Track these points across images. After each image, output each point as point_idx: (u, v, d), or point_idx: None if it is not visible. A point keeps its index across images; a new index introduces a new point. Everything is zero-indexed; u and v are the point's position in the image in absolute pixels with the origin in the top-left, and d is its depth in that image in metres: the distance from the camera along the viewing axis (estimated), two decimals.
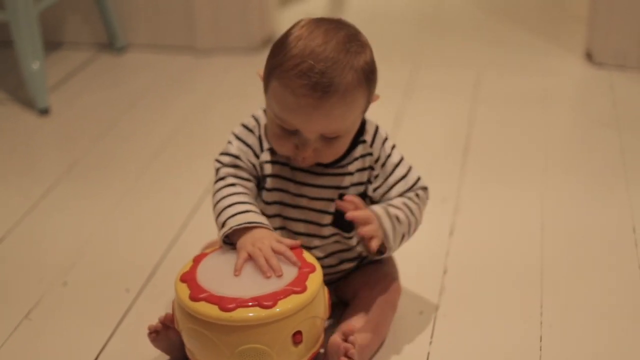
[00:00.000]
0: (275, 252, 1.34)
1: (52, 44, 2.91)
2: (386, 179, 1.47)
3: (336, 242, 1.49)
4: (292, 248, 1.37)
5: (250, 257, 1.33)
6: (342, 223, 1.45)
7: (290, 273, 1.32)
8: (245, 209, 1.39)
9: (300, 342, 1.30)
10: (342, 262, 1.52)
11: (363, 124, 1.46)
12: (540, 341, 1.50)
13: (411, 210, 1.46)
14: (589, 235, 1.82)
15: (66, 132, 2.38)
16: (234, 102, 2.51)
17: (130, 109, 2.50)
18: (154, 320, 1.42)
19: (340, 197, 1.44)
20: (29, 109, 2.47)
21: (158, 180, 2.10)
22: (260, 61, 1.44)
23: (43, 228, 1.90)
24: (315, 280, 1.33)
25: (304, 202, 1.46)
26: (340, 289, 1.55)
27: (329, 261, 1.49)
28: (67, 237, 1.86)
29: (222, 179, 1.44)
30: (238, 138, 1.46)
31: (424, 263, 1.66)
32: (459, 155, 2.17)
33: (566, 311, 1.58)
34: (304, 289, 1.30)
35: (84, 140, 2.31)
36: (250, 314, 1.25)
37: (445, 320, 1.56)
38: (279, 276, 1.31)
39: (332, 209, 1.46)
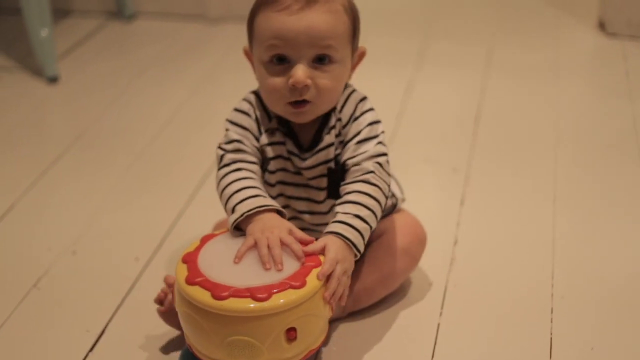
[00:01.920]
0: (282, 243, 1.27)
1: (60, 12, 2.89)
2: (347, 143, 1.40)
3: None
4: (303, 242, 1.29)
5: (255, 245, 1.28)
6: (337, 192, 1.41)
7: (293, 266, 1.26)
8: (254, 194, 1.34)
9: (295, 339, 1.23)
10: None
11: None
12: (552, 313, 1.49)
13: (373, 197, 1.35)
14: (602, 207, 1.81)
15: (75, 101, 2.37)
16: (244, 72, 2.48)
17: (140, 77, 2.49)
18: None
19: (329, 170, 1.41)
20: (38, 77, 2.47)
21: (167, 149, 2.09)
22: None
23: (52, 197, 1.89)
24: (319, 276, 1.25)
25: (302, 179, 1.44)
26: None
27: None
28: (76, 206, 1.85)
29: (226, 165, 1.39)
30: (234, 123, 1.42)
31: (434, 233, 1.64)
32: (470, 126, 2.16)
33: (578, 283, 1.57)
34: (303, 284, 1.22)
35: (93, 109, 2.30)
36: (242, 305, 1.19)
37: (455, 291, 1.55)
38: (279, 269, 1.24)
39: (324, 184, 1.43)
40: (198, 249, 1.30)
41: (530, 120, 2.20)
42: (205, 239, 1.33)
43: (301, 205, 1.46)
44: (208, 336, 1.22)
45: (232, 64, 2.57)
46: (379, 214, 1.35)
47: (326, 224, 1.35)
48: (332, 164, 1.42)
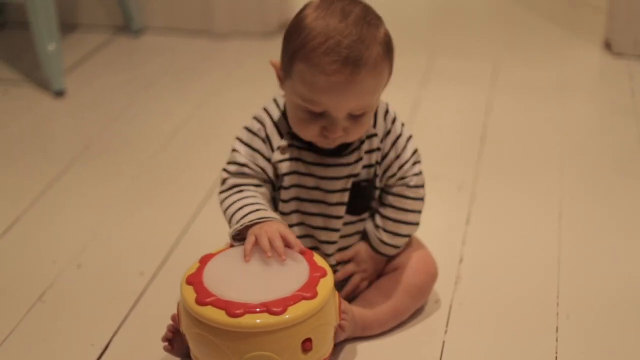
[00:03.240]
0: (280, 234, 1.31)
1: (68, 26, 2.90)
2: (385, 156, 1.45)
3: (349, 224, 1.49)
4: (302, 252, 1.33)
5: (256, 240, 1.30)
6: (355, 207, 1.47)
7: (301, 277, 1.27)
8: (256, 208, 1.36)
9: (310, 349, 1.24)
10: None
11: None
12: (557, 332, 1.48)
13: (406, 210, 1.48)
14: (608, 225, 1.81)
15: (81, 114, 2.37)
16: (249, 87, 2.50)
17: (146, 92, 2.49)
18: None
19: (353, 184, 1.44)
20: (45, 91, 2.47)
21: (173, 162, 2.09)
22: (276, 46, 1.42)
23: (57, 210, 1.89)
24: (327, 285, 1.27)
25: (319, 195, 1.45)
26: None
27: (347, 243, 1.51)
28: (82, 219, 1.85)
29: (227, 190, 1.42)
30: (243, 143, 1.43)
31: (440, 251, 1.64)
32: (475, 144, 2.16)
33: (584, 302, 1.57)
34: (315, 295, 1.24)
35: (98, 123, 2.31)
36: (259, 321, 1.20)
37: (460, 309, 1.55)
38: (283, 260, 1.28)
39: (346, 199, 1.45)
40: (200, 269, 1.30)
41: (536, 138, 2.20)
42: (205, 259, 1.33)
43: (317, 221, 1.47)
44: (225, 355, 1.22)
45: (238, 79, 2.57)
46: (420, 220, 1.50)
47: (335, 242, 1.45)
48: (357, 179, 1.44)
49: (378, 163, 1.46)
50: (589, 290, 1.60)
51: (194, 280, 1.27)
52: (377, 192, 1.49)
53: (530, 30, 2.95)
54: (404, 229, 1.48)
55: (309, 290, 1.24)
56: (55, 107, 2.39)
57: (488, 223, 1.82)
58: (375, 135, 1.44)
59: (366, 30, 1.31)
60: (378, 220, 1.48)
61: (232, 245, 1.36)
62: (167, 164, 2.09)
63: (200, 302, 1.23)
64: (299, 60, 1.32)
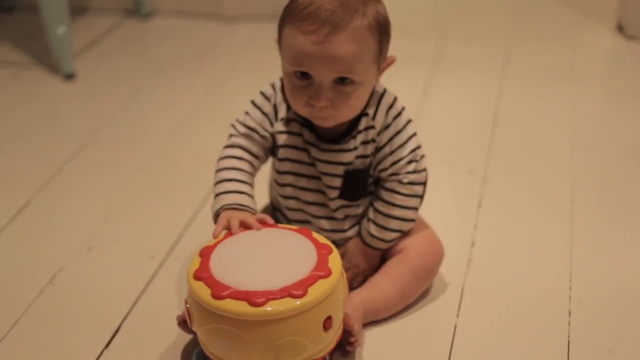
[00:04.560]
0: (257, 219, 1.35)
1: (78, 9, 2.90)
2: (380, 149, 1.46)
3: (344, 207, 1.50)
4: (298, 230, 1.34)
5: (228, 223, 1.34)
6: (349, 194, 1.48)
7: (311, 258, 1.26)
8: (241, 190, 1.41)
9: (331, 327, 1.23)
10: (351, 226, 1.52)
11: (369, 97, 1.44)
12: (569, 316, 1.48)
13: (397, 206, 1.47)
14: (620, 210, 1.80)
15: (91, 98, 2.37)
16: (259, 71, 2.49)
17: (156, 75, 2.49)
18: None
19: (345, 172, 1.45)
20: (55, 74, 2.47)
21: (183, 146, 2.09)
22: None
23: (67, 193, 1.89)
24: (336, 261, 1.27)
25: (315, 171, 1.47)
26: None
27: (339, 225, 1.51)
28: (92, 203, 1.85)
29: (231, 146, 1.47)
30: (256, 106, 1.47)
31: (451, 235, 1.64)
32: (487, 129, 2.15)
33: (596, 286, 1.56)
34: (329, 273, 1.23)
35: (109, 106, 2.30)
36: (284, 306, 1.17)
37: (472, 293, 1.54)
38: (272, 225, 1.32)
39: (338, 183, 1.47)
40: (205, 263, 1.26)
41: (548, 122, 2.19)
42: (205, 252, 1.29)
43: (310, 197, 1.49)
44: (251, 346, 1.19)
45: (248, 63, 2.56)
46: (414, 216, 1.49)
47: (331, 218, 1.49)
48: (349, 167, 1.45)
49: (373, 155, 1.46)
50: (601, 275, 1.59)
51: (203, 275, 1.23)
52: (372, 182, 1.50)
53: (542, 14, 2.93)
54: (393, 224, 1.48)
55: (322, 269, 1.24)
56: (65, 90, 2.39)
57: (499, 207, 1.81)
58: (373, 127, 1.44)
59: (354, 2, 1.33)
60: (370, 213, 1.49)
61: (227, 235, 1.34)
62: (178, 148, 2.08)
63: (217, 296, 1.19)
64: (285, 25, 1.35)
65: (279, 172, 1.49)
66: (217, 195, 1.41)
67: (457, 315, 1.49)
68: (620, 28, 2.71)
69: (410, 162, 1.46)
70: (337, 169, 1.46)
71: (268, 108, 1.46)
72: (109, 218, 1.79)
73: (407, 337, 1.44)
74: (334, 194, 1.48)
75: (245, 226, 1.33)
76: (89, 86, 2.42)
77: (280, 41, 1.38)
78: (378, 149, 1.45)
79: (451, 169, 1.94)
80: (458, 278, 1.58)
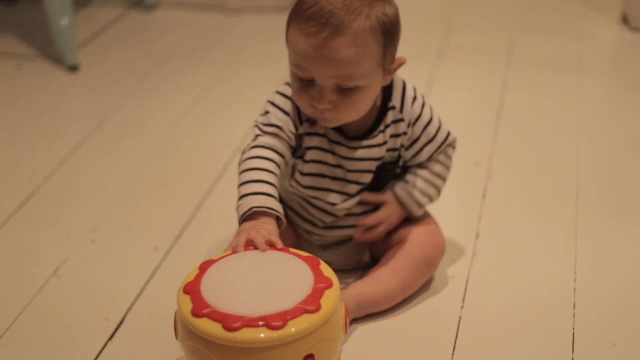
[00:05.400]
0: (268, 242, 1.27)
1: (81, 1, 2.90)
2: (415, 140, 1.47)
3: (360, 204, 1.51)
4: (305, 258, 1.26)
5: (250, 240, 1.26)
6: (374, 187, 1.49)
7: (305, 288, 1.18)
8: (268, 192, 1.34)
9: None
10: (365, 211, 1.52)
11: (390, 89, 1.44)
12: (574, 308, 1.48)
13: (438, 175, 1.51)
14: (625, 202, 1.80)
15: (95, 89, 2.36)
16: (263, 62, 2.48)
17: (159, 67, 2.48)
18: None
19: (378, 168, 1.45)
20: (58, 65, 2.46)
21: (186, 138, 2.09)
22: None
23: (71, 185, 1.89)
24: (332, 297, 1.17)
25: (340, 173, 1.46)
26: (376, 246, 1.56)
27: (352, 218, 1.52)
28: (95, 194, 1.85)
29: (258, 147, 1.40)
30: (276, 106, 1.43)
31: (456, 227, 1.64)
32: (491, 120, 2.14)
33: (600, 279, 1.56)
34: (318, 308, 1.14)
35: (112, 98, 2.30)
36: (257, 335, 1.10)
37: (477, 285, 1.54)
38: (281, 249, 1.24)
39: (367, 179, 1.47)
40: (199, 277, 1.21)
41: (552, 114, 2.18)
42: (204, 266, 1.24)
43: (330, 198, 1.47)
44: None
45: (252, 55, 2.56)
46: (443, 187, 1.54)
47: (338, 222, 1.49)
48: (380, 162, 1.46)
49: (403, 147, 1.46)
50: (606, 268, 1.59)
51: (192, 289, 1.18)
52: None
53: (547, 5, 2.92)
54: (432, 190, 1.51)
55: (311, 303, 1.15)
56: (69, 82, 2.39)
57: (504, 199, 1.81)
58: (402, 120, 1.44)
59: (359, 4, 1.30)
60: (410, 177, 1.50)
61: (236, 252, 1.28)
62: (182, 140, 2.08)
63: (196, 313, 1.14)
64: (291, 25, 1.34)
65: (301, 173, 1.46)
66: (244, 195, 1.34)
67: (462, 307, 1.49)
68: (625, 20, 2.70)
69: (449, 145, 1.51)
70: (369, 165, 1.45)
71: (290, 107, 1.43)
72: (112, 210, 1.79)
73: (412, 329, 1.44)
74: (357, 189, 1.47)
75: (253, 244, 1.28)
76: (93, 78, 2.42)
77: (286, 36, 1.38)
78: (414, 141, 1.46)
79: (455, 161, 1.92)
80: (462, 270, 1.58)
